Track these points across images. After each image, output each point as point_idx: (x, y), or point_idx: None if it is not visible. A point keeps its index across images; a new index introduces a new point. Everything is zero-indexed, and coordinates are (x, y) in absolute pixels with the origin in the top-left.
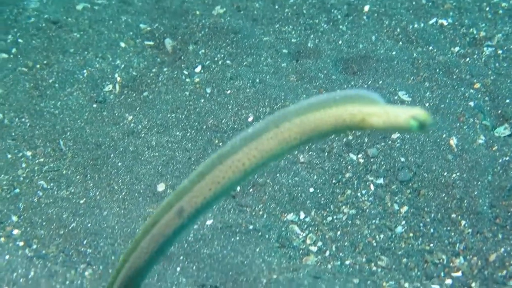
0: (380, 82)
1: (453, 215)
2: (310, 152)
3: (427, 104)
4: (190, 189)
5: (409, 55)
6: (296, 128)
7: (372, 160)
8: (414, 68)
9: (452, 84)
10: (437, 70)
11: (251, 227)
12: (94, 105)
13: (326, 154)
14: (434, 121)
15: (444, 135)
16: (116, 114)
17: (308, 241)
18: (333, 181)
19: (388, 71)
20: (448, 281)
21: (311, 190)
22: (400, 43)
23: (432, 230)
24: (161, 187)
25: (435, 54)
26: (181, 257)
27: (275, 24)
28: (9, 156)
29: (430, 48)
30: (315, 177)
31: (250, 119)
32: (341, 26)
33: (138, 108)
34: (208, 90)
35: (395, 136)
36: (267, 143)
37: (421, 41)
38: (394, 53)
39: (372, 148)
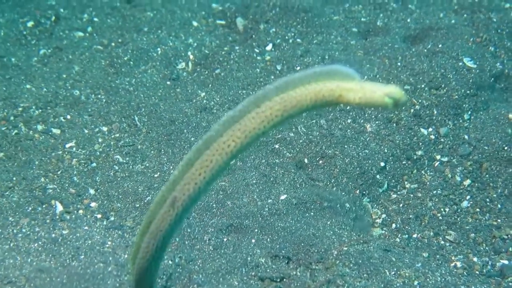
0: (440, 45)
1: None
2: (377, 122)
3: (488, 73)
4: (181, 178)
5: (471, 22)
6: (277, 105)
7: (442, 139)
8: (475, 30)
9: None
10: (503, 34)
11: (325, 204)
12: (168, 82)
13: (395, 125)
14: (407, 99)
15: (503, 111)
16: (189, 91)
17: (375, 216)
18: (403, 157)
19: (448, 35)
20: None
21: (382, 164)
22: (465, 15)
23: (499, 206)
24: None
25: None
26: (256, 230)
27: (345, 3)
28: (86, 131)
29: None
30: (386, 150)
31: None
32: (410, 5)
33: (210, 85)
34: (279, 67)
35: (466, 115)
36: (249, 123)
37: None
38: (455, 21)
39: (444, 127)
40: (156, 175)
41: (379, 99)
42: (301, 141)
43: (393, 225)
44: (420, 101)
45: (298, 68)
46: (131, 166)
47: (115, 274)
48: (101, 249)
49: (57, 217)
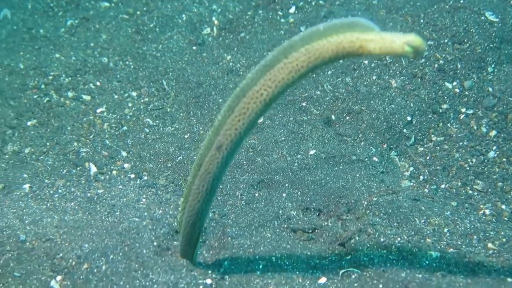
0: (462, 1)
1: None
2: (402, 77)
3: (511, 26)
4: (224, 123)
5: None
6: (302, 57)
7: (467, 92)
8: None
9: None
10: None
11: (354, 157)
12: (194, 47)
13: (420, 80)
14: (427, 47)
15: None
16: (215, 55)
17: (403, 168)
18: (429, 110)
19: None
20: None
21: (409, 118)
22: None
23: None
24: (260, 119)
25: None
26: (287, 185)
27: None
28: (116, 96)
29: None
30: (412, 105)
31: None
32: None
33: (236, 48)
34: (303, 29)
35: (489, 68)
36: (279, 74)
37: None
38: None
39: (468, 80)
40: (186, 136)
41: (399, 48)
42: (327, 98)
43: (421, 177)
44: (443, 56)
45: None
46: (161, 129)
47: (150, 228)
48: (136, 205)
49: (92, 178)
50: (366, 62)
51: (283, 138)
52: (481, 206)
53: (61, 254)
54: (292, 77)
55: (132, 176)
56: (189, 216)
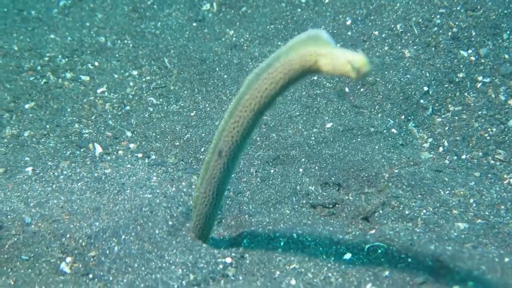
0: None
1: None
2: (415, 47)
3: None
4: (224, 128)
5: None
6: (279, 68)
7: (483, 60)
8: None
9: None
10: None
11: (372, 129)
12: (194, 24)
13: (434, 49)
14: (371, 68)
15: None
16: (217, 31)
17: (421, 140)
18: (446, 80)
19: None
20: None
21: (425, 88)
22: None
23: None
24: None
25: None
26: (303, 159)
27: None
28: (116, 76)
29: None
30: (428, 74)
31: (348, 23)
32: None
33: (238, 23)
34: (303, 0)
35: (505, 35)
36: (263, 84)
37: None
38: None
39: (483, 48)
40: (192, 114)
41: (342, 66)
42: None
43: (441, 148)
44: (457, 23)
45: (326, 1)
46: (165, 107)
47: (165, 206)
48: (147, 183)
49: (97, 158)
50: (376, 32)
51: (297, 113)
52: (505, 176)
53: (69, 235)
54: (274, 87)
55: (140, 155)
56: (197, 220)
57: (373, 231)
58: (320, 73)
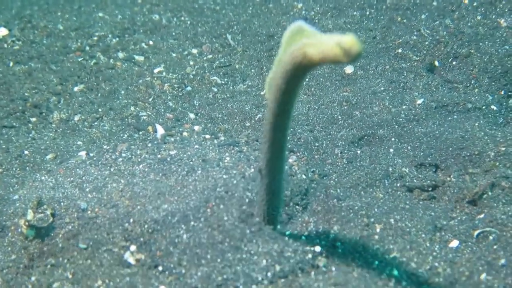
0: None
1: None
2: None
3: None
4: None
5: None
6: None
7: None
8: None
9: None
10: None
11: (469, 105)
12: None
13: None
14: (362, 47)
15: None
16: (284, 4)
17: None
18: None
19: None
20: None
21: None
22: None
23: None
24: (349, 69)
25: None
26: (393, 139)
27: None
28: (174, 55)
29: None
30: None
31: None
32: None
33: None
34: None
35: None
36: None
37: None
38: None
39: None
40: (262, 93)
41: (330, 50)
42: (427, 43)
43: None
44: None
45: None
46: (231, 87)
47: (243, 187)
48: (220, 163)
49: (160, 140)
50: (466, 1)
51: (382, 89)
52: None
53: (132, 219)
54: (284, 83)
55: (207, 136)
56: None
57: (482, 216)
58: (314, 64)
